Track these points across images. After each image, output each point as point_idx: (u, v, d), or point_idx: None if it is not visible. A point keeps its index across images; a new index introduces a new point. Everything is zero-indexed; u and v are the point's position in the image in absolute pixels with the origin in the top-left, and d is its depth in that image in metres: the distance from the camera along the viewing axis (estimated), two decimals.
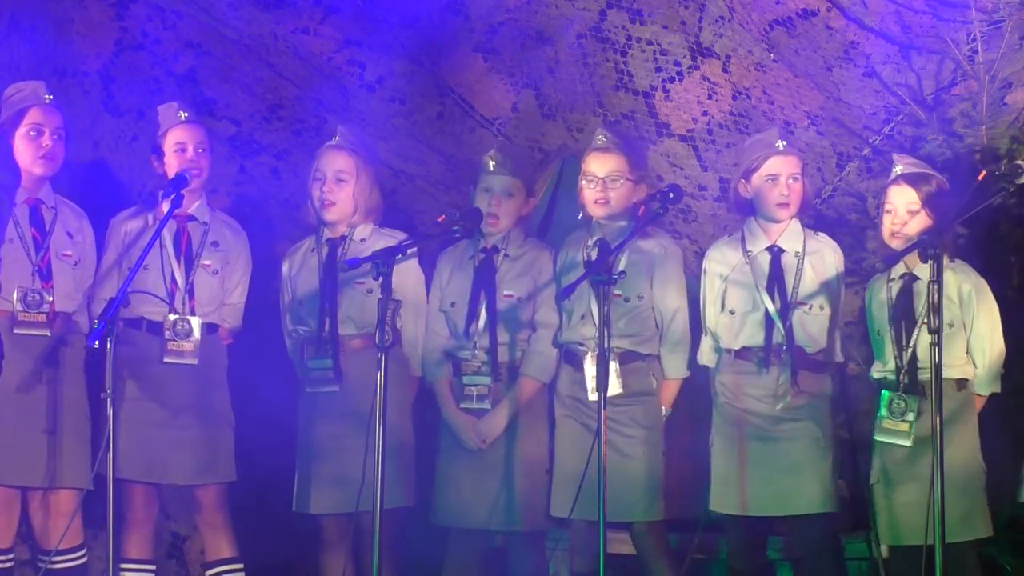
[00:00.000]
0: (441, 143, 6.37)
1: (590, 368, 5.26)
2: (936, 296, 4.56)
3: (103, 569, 5.05)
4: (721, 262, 5.39)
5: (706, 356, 5.41)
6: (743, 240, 5.38)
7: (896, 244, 5.15)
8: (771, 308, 5.26)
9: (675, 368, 5.42)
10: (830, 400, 5.33)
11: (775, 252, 5.32)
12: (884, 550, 5.42)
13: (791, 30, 6.01)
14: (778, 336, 5.23)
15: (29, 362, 5.31)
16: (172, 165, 5.50)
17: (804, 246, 5.32)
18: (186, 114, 5.56)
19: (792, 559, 5.67)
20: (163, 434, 5.42)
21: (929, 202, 5.14)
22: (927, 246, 4.61)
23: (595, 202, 5.41)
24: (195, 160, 5.52)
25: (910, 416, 5.11)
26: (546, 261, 5.52)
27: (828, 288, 5.30)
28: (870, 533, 5.53)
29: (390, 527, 5.29)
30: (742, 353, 5.30)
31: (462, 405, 5.42)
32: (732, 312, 5.32)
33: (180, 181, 5.38)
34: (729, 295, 5.33)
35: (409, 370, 5.55)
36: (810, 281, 5.29)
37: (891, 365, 5.19)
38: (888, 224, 5.21)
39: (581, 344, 5.36)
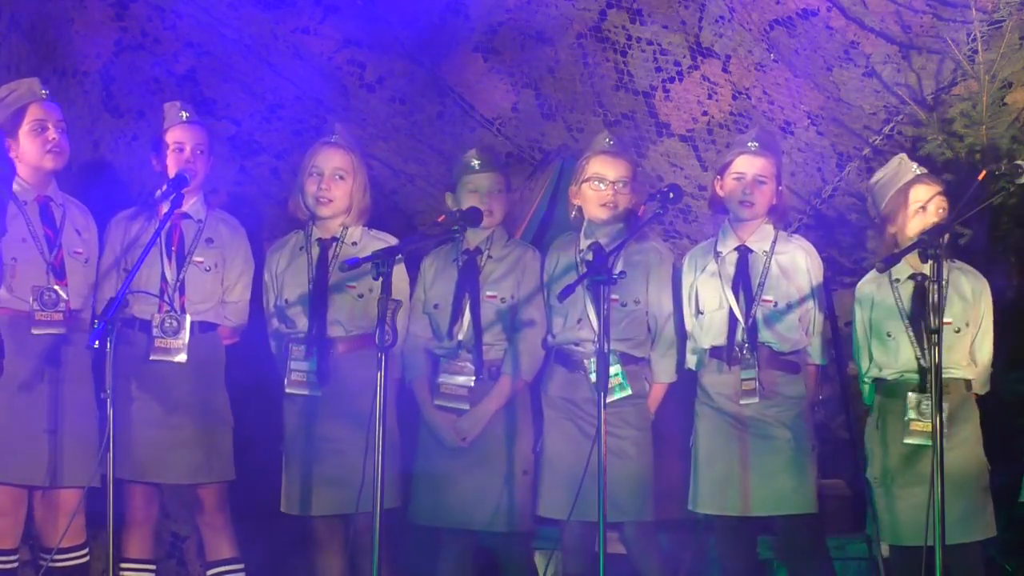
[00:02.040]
0: (441, 143, 6.37)
1: (597, 369, 5.24)
2: (937, 296, 4.54)
3: (103, 568, 5.03)
4: (693, 265, 5.38)
5: (689, 359, 5.40)
6: (716, 242, 5.37)
7: None
8: (735, 306, 5.25)
9: (665, 372, 5.42)
10: (805, 401, 5.27)
11: (743, 251, 5.30)
12: (884, 549, 5.39)
13: (791, 30, 6.02)
14: (741, 334, 5.23)
15: (40, 360, 5.29)
16: (169, 164, 5.46)
17: (773, 247, 5.29)
18: (187, 114, 5.52)
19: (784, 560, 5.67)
20: (159, 433, 5.39)
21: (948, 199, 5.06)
22: (927, 246, 4.60)
23: (602, 205, 5.35)
24: (191, 161, 5.47)
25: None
26: (531, 260, 5.46)
27: (797, 287, 5.26)
28: (867, 533, 5.52)
29: (381, 527, 5.29)
30: (713, 352, 5.29)
31: (438, 402, 5.39)
32: (702, 312, 5.32)
33: (180, 181, 5.35)
34: (700, 296, 5.33)
35: (394, 372, 5.55)
36: (776, 279, 5.26)
37: (912, 366, 5.13)
38: (921, 224, 5.06)
39: (577, 345, 5.36)
